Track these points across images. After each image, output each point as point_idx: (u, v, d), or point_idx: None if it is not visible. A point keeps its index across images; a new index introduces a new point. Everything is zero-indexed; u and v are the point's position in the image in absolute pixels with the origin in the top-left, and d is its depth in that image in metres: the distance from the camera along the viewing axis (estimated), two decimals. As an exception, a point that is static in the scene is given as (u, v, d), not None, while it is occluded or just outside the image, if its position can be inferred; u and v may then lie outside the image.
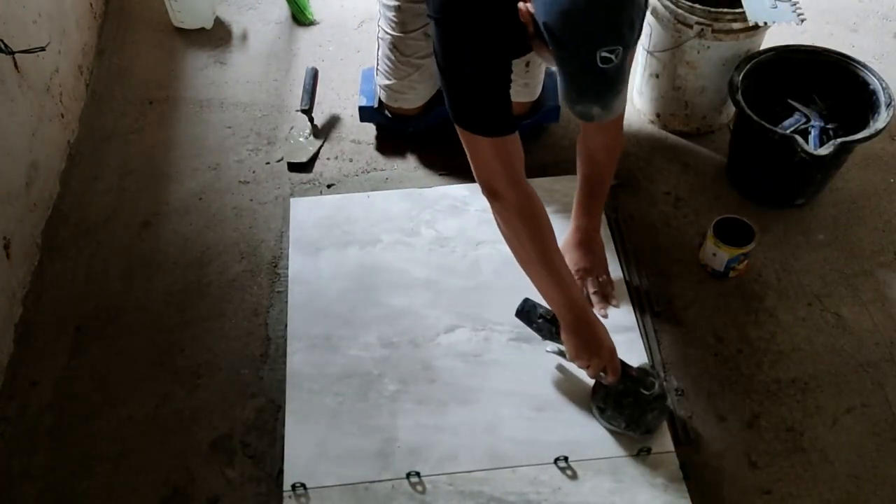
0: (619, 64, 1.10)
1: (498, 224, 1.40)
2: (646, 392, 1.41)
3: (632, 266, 1.71)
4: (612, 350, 1.41)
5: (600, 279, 1.63)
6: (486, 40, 1.25)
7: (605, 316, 1.59)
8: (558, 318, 1.43)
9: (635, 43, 1.12)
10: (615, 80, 1.12)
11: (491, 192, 1.36)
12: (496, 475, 1.40)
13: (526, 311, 1.51)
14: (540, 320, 1.49)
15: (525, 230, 1.37)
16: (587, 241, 1.63)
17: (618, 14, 1.07)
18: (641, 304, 1.65)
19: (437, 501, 1.37)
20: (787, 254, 1.74)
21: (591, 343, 1.41)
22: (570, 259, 1.62)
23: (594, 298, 1.61)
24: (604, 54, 1.08)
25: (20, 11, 1.73)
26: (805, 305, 1.66)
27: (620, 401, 1.42)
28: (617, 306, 1.62)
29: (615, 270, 1.68)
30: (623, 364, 1.43)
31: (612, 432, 1.43)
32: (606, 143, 1.53)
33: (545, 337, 1.50)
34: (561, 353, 1.49)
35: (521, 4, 1.13)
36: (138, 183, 1.89)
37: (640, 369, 1.45)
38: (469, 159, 1.35)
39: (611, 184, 1.62)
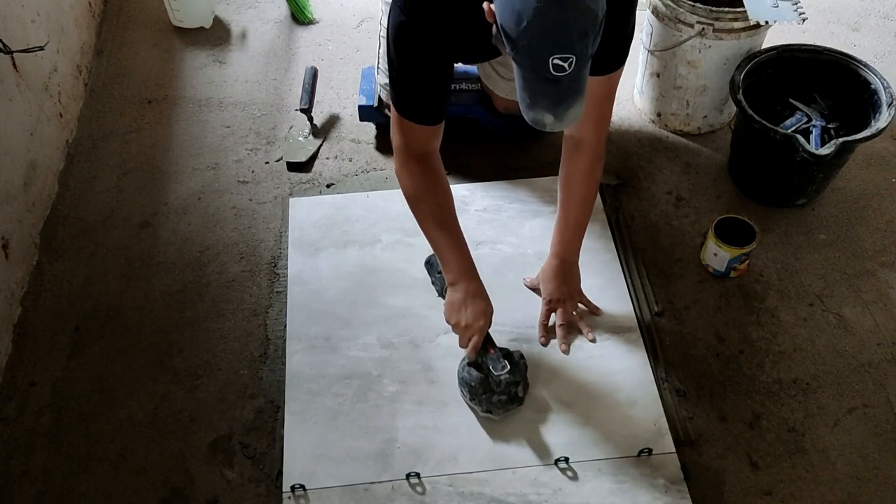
0: (573, 75, 1.11)
1: (401, 181, 1.47)
2: (494, 373, 1.42)
3: (633, 266, 1.70)
4: (482, 328, 1.45)
5: (574, 312, 1.59)
6: (442, 45, 1.30)
7: (566, 352, 1.55)
8: (444, 278, 1.49)
9: (588, 56, 1.13)
10: (569, 91, 1.13)
11: (402, 158, 1.44)
12: (496, 476, 1.40)
13: (432, 263, 1.58)
14: (439, 274, 1.54)
15: (427, 191, 1.45)
16: (563, 272, 1.58)
17: (570, 22, 1.07)
18: (642, 304, 1.64)
19: (437, 502, 1.37)
20: (788, 254, 1.74)
21: (464, 310, 1.45)
22: (545, 288, 1.59)
23: (559, 331, 1.56)
24: (556, 61, 1.09)
25: (19, 10, 1.73)
26: (806, 305, 1.65)
27: (471, 373, 1.46)
28: (593, 340, 1.57)
29: (615, 270, 1.68)
30: (489, 342, 1.46)
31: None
32: (585, 166, 1.50)
33: (438, 293, 1.57)
34: None
35: (485, 4, 1.14)
36: (137, 183, 1.88)
37: (505, 351, 1.47)
38: (391, 125, 1.43)
39: (587, 220, 1.55)
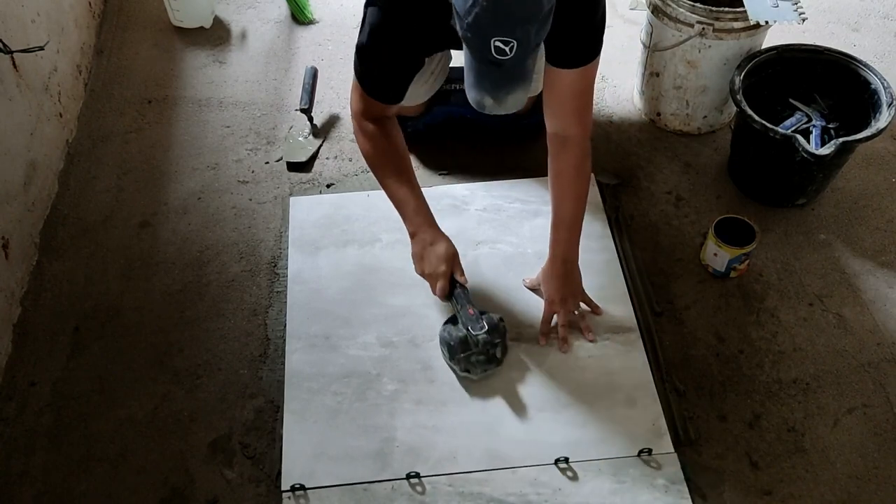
0: (516, 61, 1.16)
1: (359, 141, 1.54)
2: (472, 333, 1.45)
3: (633, 266, 1.70)
4: (445, 272, 1.50)
5: (576, 311, 1.58)
6: (415, 39, 1.38)
7: (565, 351, 1.55)
8: (407, 228, 1.54)
9: (533, 45, 1.17)
10: (511, 77, 1.18)
11: (359, 120, 1.52)
12: (496, 476, 1.40)
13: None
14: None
15: (385, 149, 1.52)
16: (564, 272, 1.57)
17: (514, 6, 1.12)
18: (642, 304, 1.64)
19: (436, 502, 1.37)
20: (788, 254, 1.74)
21: (427, 258, 1.51)
22: (546, 289, 1.59)
23: (561, 331, 1.56)
24: (497, 44, 1.14)
25: (19, 10, 1.73)
26: (806, 305, 1.65)
27: (451, 333, 1.50)
28: (593, 341, 1.56)
29: (615, 270, 1.67)
30: (468, 301, 1.50)
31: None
32: (574, 162, 1.50)
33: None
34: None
35: None
36: (137, 182, 1.89)
37: (485, 315, 1.50)
38: (351, 90, 1.51)
39: (583, 216, 1.55)
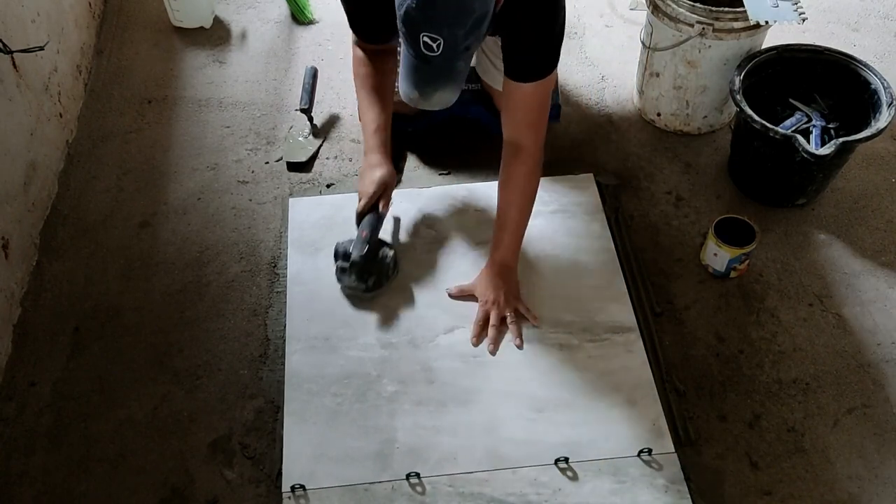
0: (443, 59, 1.21)
1: (353, 63, 1.64)
2: (351, 251, 1.58)
3: (633, 266, 1.70)
4: (372, 194, 1.59)
5: (510, 314, 1.56)
6: None
7: (493, 353, 1.54)
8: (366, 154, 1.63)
9: (462, 47, 1.21)
10: (438, 74, 1.24)
11: (355, 49, 1.62)
12: (496, 476, 1.40)
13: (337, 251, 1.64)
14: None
15: (374, 68, 1.61)
16: (500, 275, 1.57)
17: (440, 7, 1.17)
18: (642, 304, 1.64)
19: (436, 502, 1.37)
20: (788, 254, 1.74)
21: (366, 175, 1.61)
22: (481, 291, 1.59)
23: (491, 332, 1.55)
24: (426, 39, 1.19)
25: (19, 10, 1.73)
26: (806, 305, 1.65)
27: (345, 245, 1.61)
28: (520, 347, 1.55)
29: (615, 270, 1.67)
30: (373, 227, 1.59)
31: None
32: (524, 171, 1.53)
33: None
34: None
35: None
36: (137, 183, 1.88)
37: (383, 248, 1.62)
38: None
39: (526, 224, 1.57)
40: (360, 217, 1.61)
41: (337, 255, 1.62)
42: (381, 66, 1.62)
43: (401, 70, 1.27)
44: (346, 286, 1.62)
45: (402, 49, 1.25)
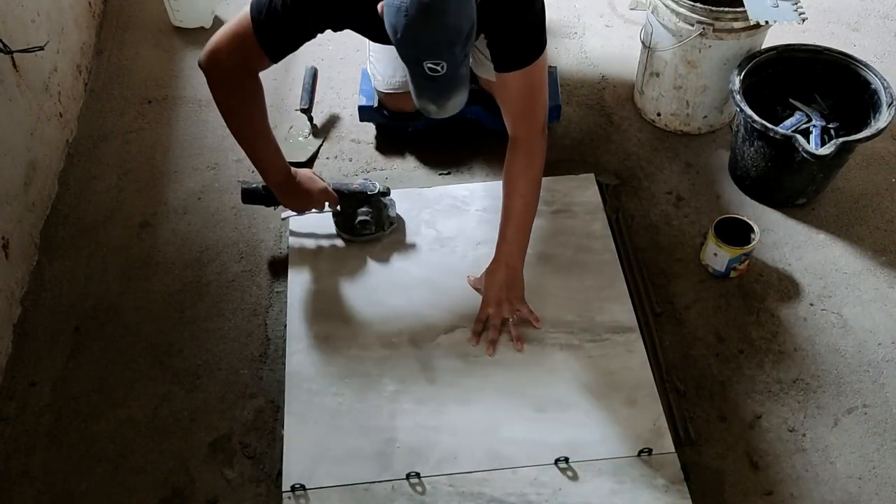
0: (449, 75, 1.24)
1: (222, 93, 1.47)
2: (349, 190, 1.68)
3: (633, 266, 1.70)
4: (322, 191, 1.65)
5: (511, 317, 1.57)
6: (331, 12, 1.38)
7: (491, 355, 1.54)
8: (270, 185, 1.62)
9: (460, 60, 1.25)
10: (448, 87, 1.27)
11: (230, 73, 1.43)
12: (496, 476, 1.40)
13: (249, 191, 1.70)
14: (264, 192, 1.68)
15: (249, 103, 1.49)
16: (504, 276, 1.56)
17: (436, 36, 1.20)
18: (643, 304, 1.64)
19: (437, 502, 1.37)
20: (788, 254, 1.74)
21: (301, 197, 1.64)
22: (484, 292, 1.58)
23: (491, 333, 1.55)
24: (429, 65, 1.23)
25: (19, 10, 1.73)
26: (806, 305, 1.65)
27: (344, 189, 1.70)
28: (520, 350, 1.55)
29: (615, 270, 1.67)
30: (341, 190, 1.68)
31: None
32: (521, 163, 1.53)
33: (269, 204, 1.71)
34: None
35: (379, 5, 1.25)
36: (137, 182, 1.88)
37: (357, 191, 1.69)
38: (226, 37, 1.41)
39: (530, 219, 1.56)
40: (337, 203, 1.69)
41: (338, 191, 1.67)
42: (259, 88, 1.48)
43: (412, 88, 1.29)
44: (356, 226, 1.68)
45: (409, 71, 1.27)
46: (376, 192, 1.68)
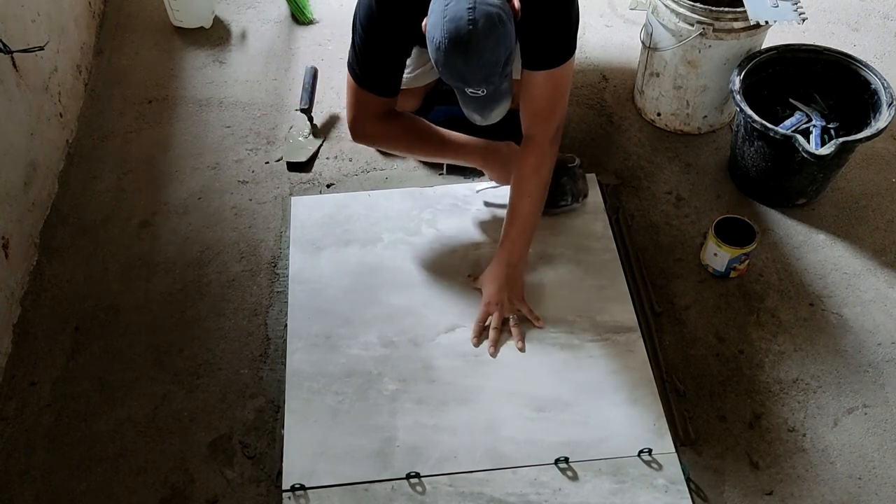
0: (489, 95, 1.32)
1: (369, 139, 1.67)
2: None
3: (633, 266, 1.70)
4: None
5: (513, 316, 1.57)
6: (405, 27, 1.42)
7: (493, 356, 1.54)
8: (477, 164, 1.68)
9: (502, 80, 1.32)
10: (491, 102, 1.34)
11: (361, 124, 1.61)
12: (496, 476, 1.40)
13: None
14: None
15: (401, 125, 1.63)
16: (505, 276, 1.57)
17: (474, 71, 1.27)
18: (643, 304, 1.64)
19: (437, 502, 1.37)
20: (788, 254, 1.74)
21: (504, 161, 1.67)
22: (485, 291, 1.58)
23: (491, 334, 1.55)
24: (470, 91, 1.32)
25: (19, 10, 1.73)
26: (807, 305, 1.65)
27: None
28: (522, 350, 1.55)
29: (615, 270, 1.67)
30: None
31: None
32: (532, 162, 1.56)
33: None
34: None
35: (424, 23, 1.32)
36: (137, 182, 1.88)
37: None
38: (349, 100, 1.60)
39: (534, 220, 1.58)
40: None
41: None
42: (402, 117, 1.64)
43: (459, 100, 1.37)
44: (556, 196, 1.70)
45: (452, 86, 1.35)
46: (576, 163, 1.70)
